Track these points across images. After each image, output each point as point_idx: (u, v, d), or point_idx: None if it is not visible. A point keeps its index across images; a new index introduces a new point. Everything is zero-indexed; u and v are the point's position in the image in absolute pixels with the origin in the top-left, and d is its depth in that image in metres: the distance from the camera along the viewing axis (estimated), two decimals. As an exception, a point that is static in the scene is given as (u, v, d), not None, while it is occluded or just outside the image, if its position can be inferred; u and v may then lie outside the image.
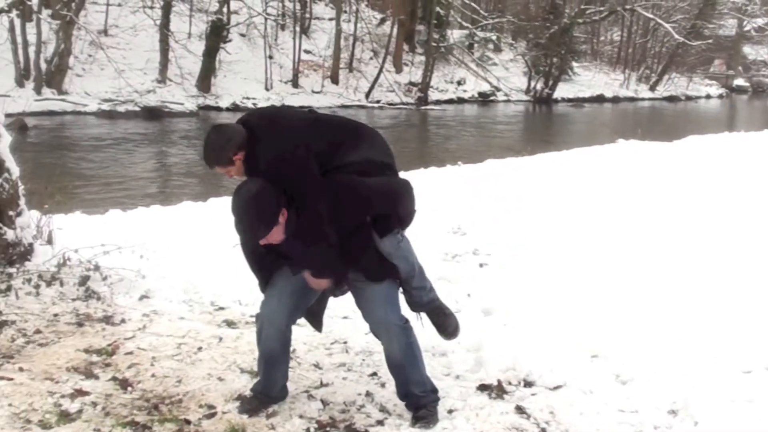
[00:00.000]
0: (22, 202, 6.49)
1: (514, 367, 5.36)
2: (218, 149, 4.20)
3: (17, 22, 28.87)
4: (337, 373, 5.30)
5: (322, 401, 4.85)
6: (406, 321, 4.66)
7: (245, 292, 6.43)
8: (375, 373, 5.29)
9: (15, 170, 6.40)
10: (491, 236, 8.84)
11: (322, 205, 4.20)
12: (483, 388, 5.14)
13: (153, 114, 29.99)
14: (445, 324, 4.98)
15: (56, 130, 26.49)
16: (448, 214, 9.85)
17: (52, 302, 6.08)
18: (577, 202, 10.68)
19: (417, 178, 13.72)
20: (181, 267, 7.20)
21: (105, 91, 30.90)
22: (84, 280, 6.38)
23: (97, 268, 6.59)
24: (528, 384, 5.23)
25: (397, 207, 4.55)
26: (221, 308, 6.48)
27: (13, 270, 6.20)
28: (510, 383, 5.22)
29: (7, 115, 25.37)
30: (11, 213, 6.31)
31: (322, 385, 5.09)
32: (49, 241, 6.97)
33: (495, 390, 5.11)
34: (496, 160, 16.45)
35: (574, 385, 5.17)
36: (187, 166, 21.30)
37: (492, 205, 10.47)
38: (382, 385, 5.10)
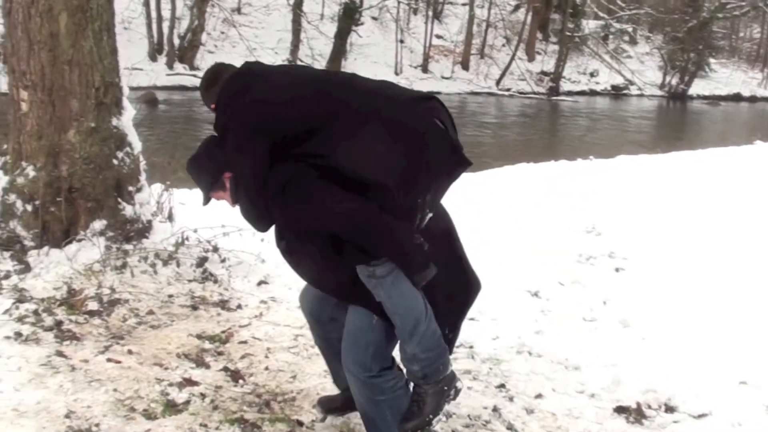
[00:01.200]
0: (142, 177, 6.24)
1: (655, 389, 4.86)
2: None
3: (153, -3, 29.38)
4: (462, 381, 4.83)
5: (444, 412, 4.43)
6: (379, 373, 3.53)
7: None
8: (503, 385, 4.84)
9: (137, 145, 6.16)
10: (627, 238, 8.27)
11: (257, 202, 3.43)
12: (620, 410, 4.67)
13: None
14: (413, 416, 3.61)
15: (185, 104, 26.74)
16: (582, 211, 9.32)
17: (168, 282, 5.82)
18: (718, 207, 9.97)
19: (547, 170, 13.34)
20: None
21: (236, 69, 30.93)
22: (201, 261, 6.11)
23: (215, 249, 6.32)
24: (669, 409, 4.71)
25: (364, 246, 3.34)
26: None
27: (129, 247, 5.96)
28: (650, 407, 4.73)
29: (138, 88, 26.11)
30: (131, 188, 6.06)
31: (446, 393, 4.66)
32: (169, 218, 6.73)
33: (633, 414, 4.64)
34: (629, 157, 15.95)
35: (721, 415, 4.65)
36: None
37: (626, 205, 9.89)
38: (510, 399, 4.66)
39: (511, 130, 28.80)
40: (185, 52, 30.89)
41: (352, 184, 3.23)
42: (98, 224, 5.92)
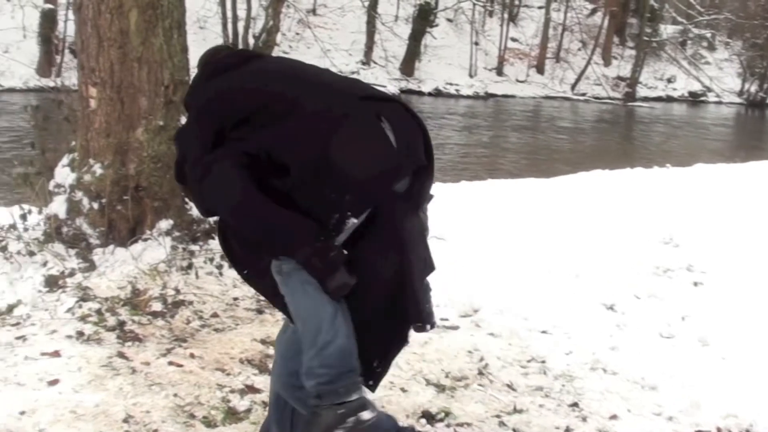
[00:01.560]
0: None
1: (736, 414, 4.58)
2: None
3: (229, -4, 29.53)
4: (533, 398, 4.63)
5: (514, 430, 4.24)
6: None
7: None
8: (576, 404, 4.59)
9: None
10: (706, 251, 7.96)
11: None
12: (700, 435, 4.40)
13: (356, 95, 29.87)
14: None
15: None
16: (659, 221, 9.03)
17: (233, 285, 5.72)
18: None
19: (623, 178, 13.02)
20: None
21: (311, 70, 31.03)
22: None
23: (283, 251, 6.21)
24: (752, 437, 4.45)
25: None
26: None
27: (196, 247, 5.89)
28: (731, 432, 4.47)
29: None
30: None
31: (515, 410, 4.44)
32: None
33: (713, 439, 4.37)
34: (707, 165, 15.56)
35: (807, 443, 4.35)
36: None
37: (705, 216, 9.56)
38: (584, 419, 4.42)
39: (587, 135, 28.40)
40: (260, 53, 30.91)
41: (270, 170, 3.01)
42: (164, 224, 5.87)
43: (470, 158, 21.16)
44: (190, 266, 5.70)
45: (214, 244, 6.00)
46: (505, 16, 39.57)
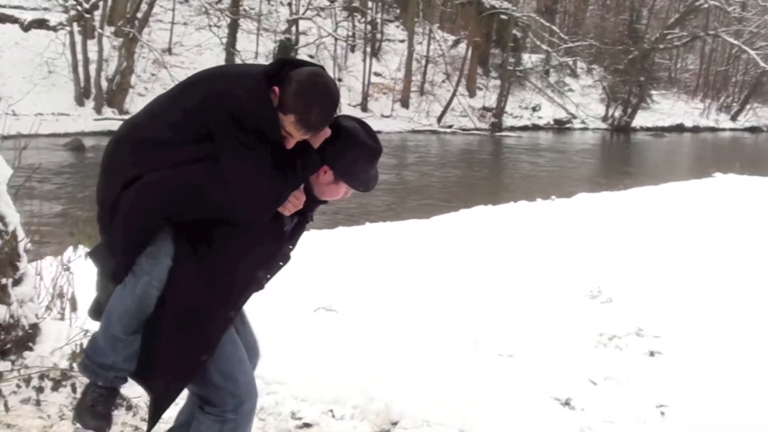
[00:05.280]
0: (23, 263, 4.52)
1: None
2: None
3: (78, 38, 27.63)
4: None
5: None
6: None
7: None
8: None
9: (13, 218, 4.43)
10: (647, 304, 6.79)
11: None
12: None
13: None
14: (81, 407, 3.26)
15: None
16: (575, 268, 7.89)
17: (60, 415, 4.19)
18: (725, 251, 8.69)
19: (510, 213, 11.99)
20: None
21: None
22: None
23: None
24: None
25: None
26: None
27: (6, 364, 4.33)
28: None
29: (65, 135, 24.38)
30: (4, 281, 4.37)
31: None
32: (73, 307, 5.09)
33: None
34: (590, 195, 15.03)
35: None
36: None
37: (619, 255, 8.50)
38: None
39: (458, 168, 27.54)
40: (114, 96, 29.13)
41: None
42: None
43: (341, 201, 19.84)
44: (-4, 393, 4.14)
45: (34, 356, 4.48)
46: (368, 50, 38.63)
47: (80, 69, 28.64)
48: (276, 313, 5.49)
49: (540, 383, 5.04)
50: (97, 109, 28.54)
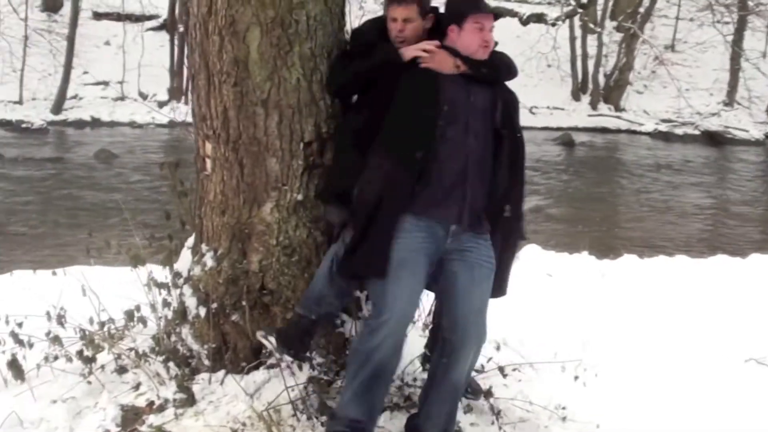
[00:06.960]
0: None
1: None
2: None
3: (578, 33, 27.64)
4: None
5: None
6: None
7: None
8: None
9: None
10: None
11: None
12: None
13: (713, 139, 26.81)
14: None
15: (604, 148, 24.81)
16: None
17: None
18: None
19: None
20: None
21: (664, 111, 28.51)
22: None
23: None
24: None
25: None
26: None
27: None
28: None
29: (557, 129, 24.59)
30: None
31: None
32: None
33: None
34: None
35: None
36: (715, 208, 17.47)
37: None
38: None
39: None
40: (611, 92, 28.82)
41: None
42: (303, 342, 4.03)
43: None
44: (333, 414, 3.79)
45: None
46: None
47: (578, 64, 28.66)
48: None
49: None
50: (593, 105, 28.50)
